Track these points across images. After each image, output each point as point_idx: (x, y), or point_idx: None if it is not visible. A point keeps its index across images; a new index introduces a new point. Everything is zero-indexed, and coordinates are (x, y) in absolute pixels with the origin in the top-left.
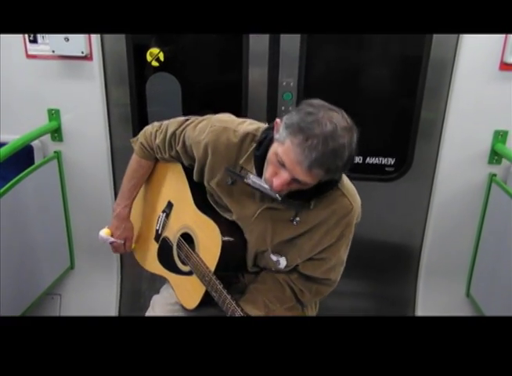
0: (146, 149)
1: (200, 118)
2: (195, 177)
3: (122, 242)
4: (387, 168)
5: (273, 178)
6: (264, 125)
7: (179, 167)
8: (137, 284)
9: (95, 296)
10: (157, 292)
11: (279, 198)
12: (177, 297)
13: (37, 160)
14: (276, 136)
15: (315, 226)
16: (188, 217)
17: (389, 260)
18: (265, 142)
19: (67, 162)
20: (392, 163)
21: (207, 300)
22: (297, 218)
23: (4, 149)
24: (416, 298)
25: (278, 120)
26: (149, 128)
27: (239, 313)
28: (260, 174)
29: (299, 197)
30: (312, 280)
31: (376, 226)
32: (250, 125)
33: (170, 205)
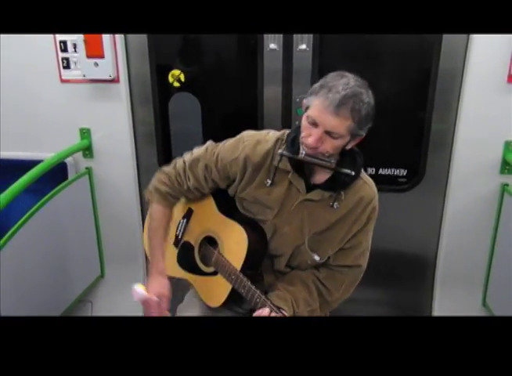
0: (171, 195)
1: (223, 141)
2: (231, 191)
3: (157, 299)
4: (399, 179)
5: (308, 138)
6: (287, 131)
7: None
8: None
9: (123, 302)
10: (180, 300)
11: (332, 165)
12: (200, 297)
13: (71, 175)
14: (304, 108)
15: (346, 215)
16: (211, 222)
17: (404, 269)
18: (296, 141)
19: (98, 177)
20: (404, 174)
21: (230, 299)
22: (336, 203)
23: (40, 166)
24: (432, 308)
25: (304, 100)
26: (162, 178)
27: (269, 305)
28: (296, 170)
29: (330, 189)
30: (342, 272)
31: (391, 236)
32: (276, 133)
33: (190, 211)
